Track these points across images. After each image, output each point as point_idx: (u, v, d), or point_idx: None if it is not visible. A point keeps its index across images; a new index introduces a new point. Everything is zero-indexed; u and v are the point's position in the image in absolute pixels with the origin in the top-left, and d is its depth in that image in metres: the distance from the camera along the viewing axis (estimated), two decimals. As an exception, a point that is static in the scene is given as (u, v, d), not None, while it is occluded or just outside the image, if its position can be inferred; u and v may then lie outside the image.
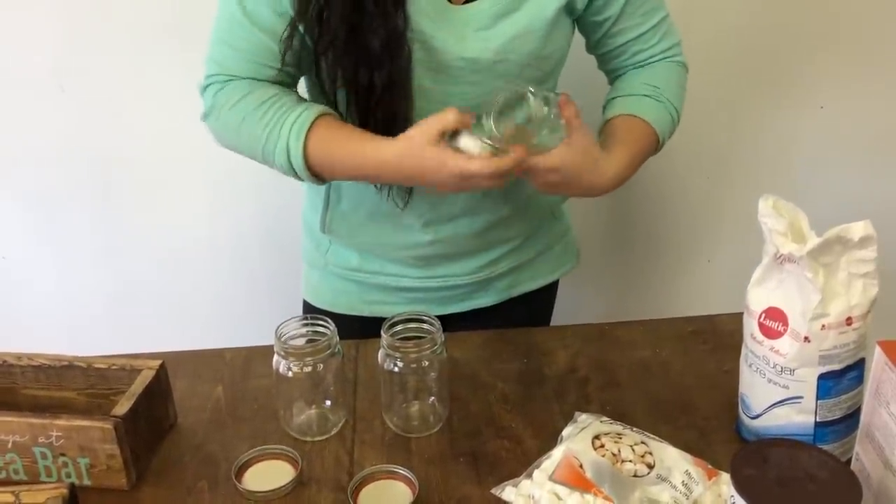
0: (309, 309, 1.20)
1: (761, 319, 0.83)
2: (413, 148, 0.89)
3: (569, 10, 1.00)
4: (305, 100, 1.00)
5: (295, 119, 0.93)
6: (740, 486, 0.68)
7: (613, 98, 1.07)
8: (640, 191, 1.60)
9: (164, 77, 1.42)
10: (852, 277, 0.79)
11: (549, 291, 1.26)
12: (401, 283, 1.15)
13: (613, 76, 1.11)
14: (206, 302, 1.60)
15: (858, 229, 0.77)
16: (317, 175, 0.96)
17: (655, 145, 1.04)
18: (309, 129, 0.92)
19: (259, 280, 1.57)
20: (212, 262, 1.57)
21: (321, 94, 0.97)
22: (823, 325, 0.78)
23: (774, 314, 0.82)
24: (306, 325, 0.90)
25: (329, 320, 0.92)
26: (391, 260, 1.14)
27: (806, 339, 0.79)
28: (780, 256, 0.80)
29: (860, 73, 1.53)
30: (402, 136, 0.90)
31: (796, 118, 1.56)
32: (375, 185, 1.03)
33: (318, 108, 0.94)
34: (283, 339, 0.90)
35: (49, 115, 1.45)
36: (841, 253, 0.78)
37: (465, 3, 0.96)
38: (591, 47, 1.09)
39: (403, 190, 1.02)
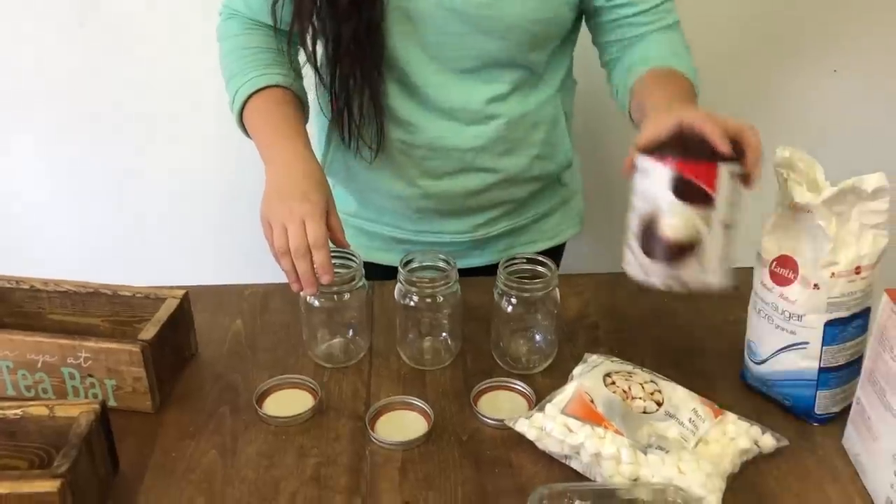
0: None
1: (772, 267, 0.85)
2: (301, 172, 0.92)
3: None
4: (278, 59, 1.03)
5: (244, 81, 1.00)
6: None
7: (623, 72, 1.01)
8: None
9: (181, 14, 1.43)
10: (863, 228, 0.81)
11: (551, 255, 1.27)
12: (396, 235, 1.17)
13: (607, 40, 1.05)
14: (221, 239, 1.62)
15: (872, 181, 0.79)
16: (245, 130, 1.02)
17: (692, 86, 0.98)
18: (252, 95, 0.99)
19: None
20: (226, 199, 1.58)
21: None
22: (833, 273, 0.81)
23: (785, 262, 0.84)
24: (334, 257, 0.92)
25: (357, 254, 0.95)
26: (387, 210, 1.15)
27: (815, 286, 0.82)
28: (794, 205, 0.82)
29: (873, 36, 1.54)
30: (312, 161, 0.95)
31: (808, 81, 1.57)
32: (342, 139, 1.05)
33: (272, 80, 1.00)
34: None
35: (67, 51, 1.46)
36: (854, 203, 0.80)
37: None
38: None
39: (372, 144, 1.05)
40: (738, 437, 0.82)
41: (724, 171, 0.74)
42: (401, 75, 1.02)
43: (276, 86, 1.00)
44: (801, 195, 0.81)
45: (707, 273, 0.77)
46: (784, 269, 0.84)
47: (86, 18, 1.43)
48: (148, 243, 1.63)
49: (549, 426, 0.81)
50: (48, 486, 0.69)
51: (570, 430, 0.80)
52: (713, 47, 1.53)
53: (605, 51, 1.08)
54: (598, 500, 0.75)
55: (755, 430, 0.84)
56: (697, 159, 0.74)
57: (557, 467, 0.82)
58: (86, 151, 1.55)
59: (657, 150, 0.77)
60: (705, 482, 0.76)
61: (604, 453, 0.78)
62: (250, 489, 0.80)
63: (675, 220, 0.75)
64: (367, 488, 0.80)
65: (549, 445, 0.82)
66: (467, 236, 1.16)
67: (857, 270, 0.81)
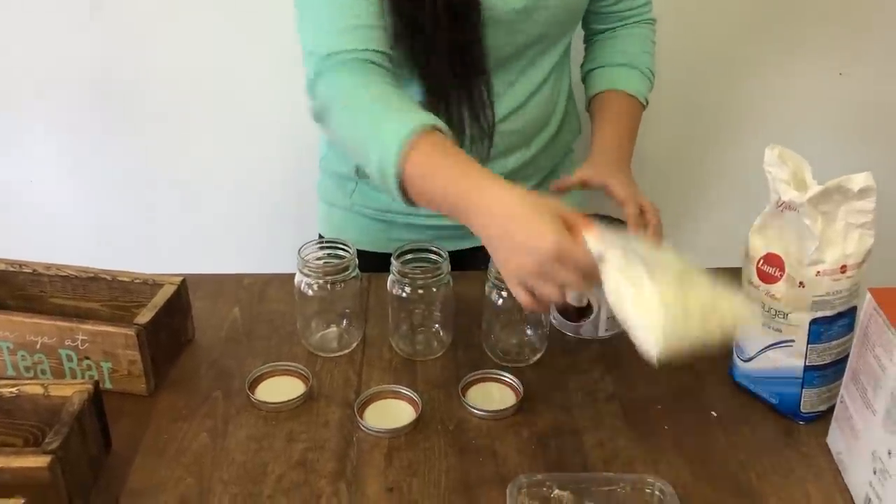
0: None
1: (759, 265, 0.86)
2: (525, 207, 0.76)
3: None
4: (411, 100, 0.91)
5: (397, 127, 0.82)
6: None
7: (593, 69, 1.16)
8: (647, 151, 1.61)
9: (193, 7, 1.45)
10: (849, 227, 0.81)
11: None
12: (429, 222, 1.17)
13: (592, 28, 1.19)
14: (225, 230, 1.64)
15: (859, 180, 0.79)
16: (405, 194, 0.83)
17: (641, 109, 1.13)
18: (410, 142, 0.80)
19: (277, 211, 1.61)
20: (232, 191, 1.61)
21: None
22: (818, 272, 0.81)
23: (772, 260, 0.85)
24: (327, 247, 0.93)
25: (349, 244, 0.96)
26: None
27: (801, 284, 0.82)
28: (781, 204, 0.83)
29: (880, 40, 1.54)
30: (520, 192, 0.77)
31: (814, 83, 1.57)
32: None
33: (424, 118, 0.83)
34: (305, 258, 0.94)
35: (78, 42, 1.49)
36: (840, 202, 0.80)
37: None
38: None
39: None
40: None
41: None
42: None
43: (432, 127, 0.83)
44: (788, 193, 0.82)
45: (598, 332, 1.01)
46: (770, 266, 0.85)
47: (96, 11, 1.45)
48: (155, 233, 1.66)
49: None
50: (39, 461, 0.71)
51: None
52: (719, 48, 1.54)
53: (587, 30, 1.20)
54: (577, 489, 0.76)
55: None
56: None
57: (541, 457, 0.83)
58: (95, 141, 1.58)
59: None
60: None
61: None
62: (238, 472, 0.82)
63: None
64: (352, 474, 0.82)
65: None
66: None
67: (843, 269, 0.81)
